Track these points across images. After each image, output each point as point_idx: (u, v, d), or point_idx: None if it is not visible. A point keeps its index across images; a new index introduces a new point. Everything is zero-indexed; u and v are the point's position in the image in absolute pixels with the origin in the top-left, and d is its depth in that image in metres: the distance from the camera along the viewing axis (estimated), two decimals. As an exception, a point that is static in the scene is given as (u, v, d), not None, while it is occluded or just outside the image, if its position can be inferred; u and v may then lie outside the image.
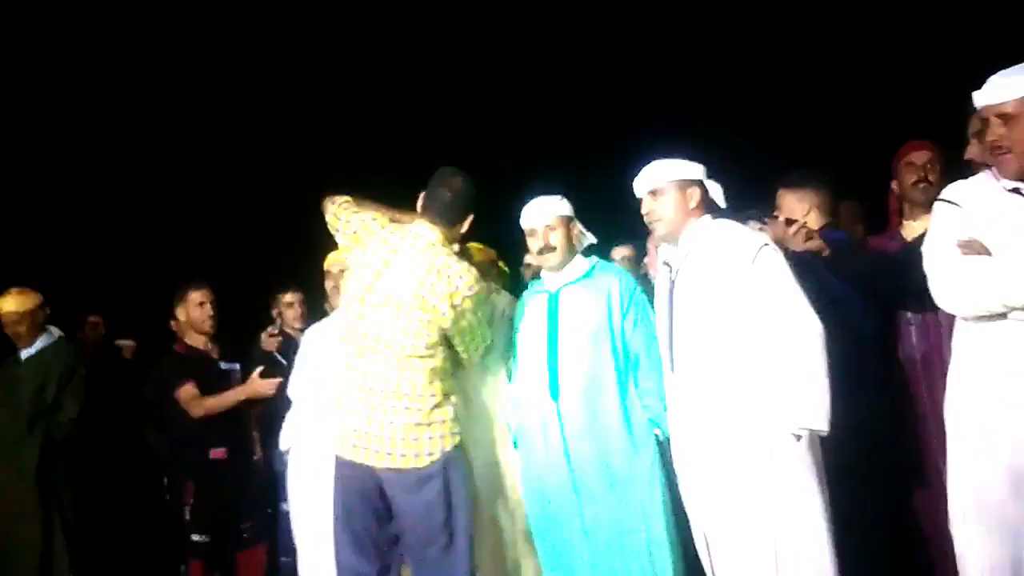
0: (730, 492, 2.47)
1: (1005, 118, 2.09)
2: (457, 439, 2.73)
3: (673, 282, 2.68)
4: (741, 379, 2.49)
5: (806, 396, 2.38)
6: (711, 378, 2.53)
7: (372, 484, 2.68)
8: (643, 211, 2.74)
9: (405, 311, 2.65)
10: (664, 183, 2.68)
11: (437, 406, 2.68)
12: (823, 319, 2.46)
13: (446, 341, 2.74)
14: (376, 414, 2.65)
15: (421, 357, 2.67)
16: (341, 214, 2.85)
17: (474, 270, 2.76)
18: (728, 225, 2.66)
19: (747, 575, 2.44)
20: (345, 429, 2.70)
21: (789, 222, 2.97)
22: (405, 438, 2.63)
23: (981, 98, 2.15)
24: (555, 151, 6.49)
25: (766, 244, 2.53)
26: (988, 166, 2.56)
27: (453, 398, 2.77)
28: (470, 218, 2.83)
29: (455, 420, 2.74)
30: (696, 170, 2.72)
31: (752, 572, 2.43)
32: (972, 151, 2.74)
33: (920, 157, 3.02)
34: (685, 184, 2.68)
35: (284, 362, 3.83)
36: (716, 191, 2.73)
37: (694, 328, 2.58)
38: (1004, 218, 2.12)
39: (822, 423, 2.37)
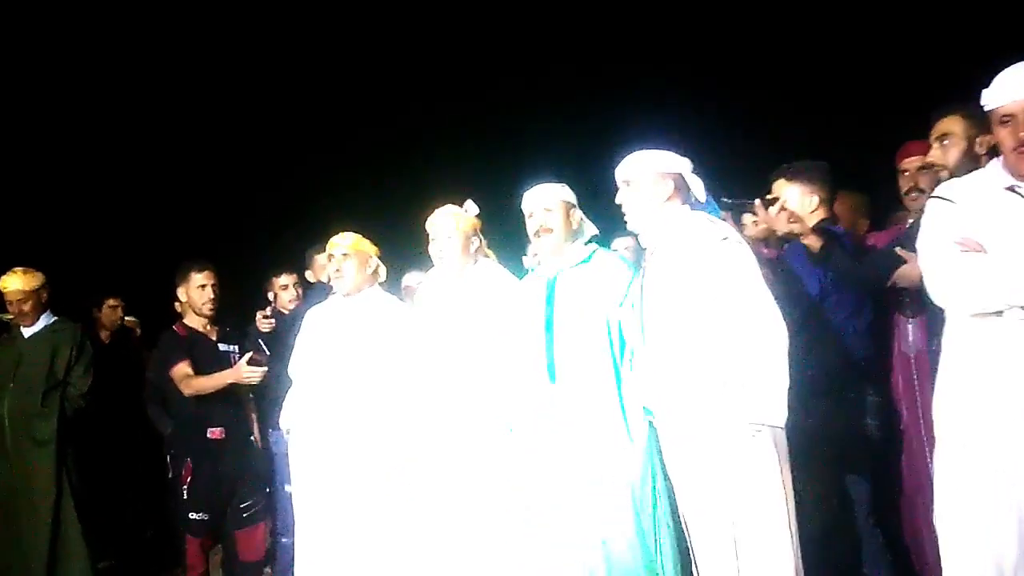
0: (694, 478, 2.49)
1: None
2: None
3: (645, 270, 2.68)
4: (703, 370, 2.47)
5: (762, 391, 2.36)
6: (675, 367, 2.53)
7: None
8: (617, 200, 2.75)
9: None
10: (637, 175, 2.68)
11: None
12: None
13: None
14: None
15: None
16: None
17: None
18: (696, 217, 2.64)
19: (713, 559, 2.47)
20: None
21: (767, 204, 2.94)
22: None
23: (1008, 94, 2.06)
24: (562, 142, 6.50)
25: (726, 238, 2.50)
26: (949, 171, 2.55)
27: None
28: None
29: None
30: (672, 163, 2.69)
31: (715, 557, 2.46)
32: (934, 155, 2.72)
33: (912, 163, 3.00)
34: (658, 177, 2.67)
35: (267, 351, 3.86)
36: (697, 186, 2.70)
37: (660, 317, 2.58)
38: (1000, 216, 2.09)
39: (777, 418, 2.36)
